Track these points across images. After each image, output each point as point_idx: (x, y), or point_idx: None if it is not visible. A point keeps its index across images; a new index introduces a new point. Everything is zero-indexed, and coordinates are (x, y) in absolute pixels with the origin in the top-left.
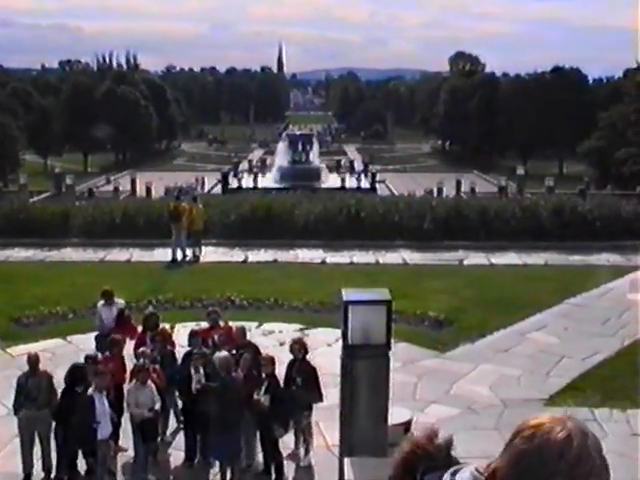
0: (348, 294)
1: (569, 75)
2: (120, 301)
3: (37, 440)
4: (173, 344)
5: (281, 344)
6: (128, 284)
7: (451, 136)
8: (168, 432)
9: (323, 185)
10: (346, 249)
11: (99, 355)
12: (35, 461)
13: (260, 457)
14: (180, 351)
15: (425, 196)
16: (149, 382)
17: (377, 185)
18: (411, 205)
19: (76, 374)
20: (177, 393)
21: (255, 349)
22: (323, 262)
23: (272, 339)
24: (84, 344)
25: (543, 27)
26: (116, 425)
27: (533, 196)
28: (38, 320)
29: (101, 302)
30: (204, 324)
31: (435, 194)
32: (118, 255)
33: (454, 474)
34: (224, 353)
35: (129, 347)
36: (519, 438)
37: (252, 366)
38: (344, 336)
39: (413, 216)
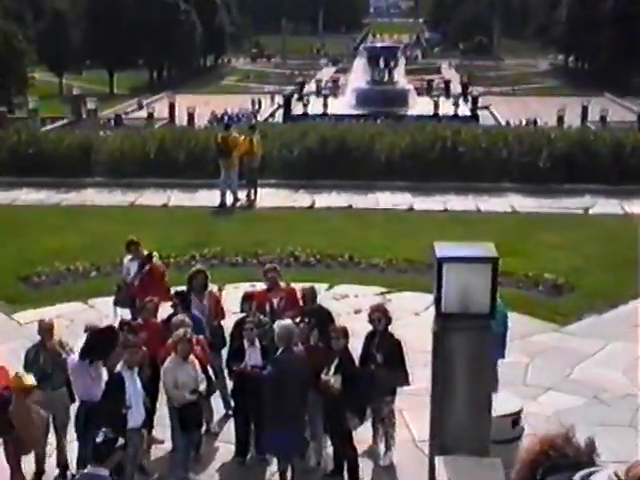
0: (442, 249)
1: None
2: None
3: (52, 428)
4: (222, 310)
5: (357, 312)
6: (164, 235)
7: (576, 49)
8: (214, 420)
9: (411, 112)
10: (439, 193)
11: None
12: (48, 455)
13: (329, 453)
14: (230, 320)
15: (540, 126)
16: (191, 357)
17: (479, 112)
18: (523, 138)
19: (95, 343)
20: (226, 371)
21: (327, 317)
22: (410, 209)
23: (345, 305)
24: (109, 309)
25: None
26: (150, 411)
27: None
28: (52, 279)
29: (128, 256)
30: (260, 285)
31: (553, 124)
32: (152, 198)
33: (587, 477)
34: (286, 322)
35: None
36: None
37: (321, 339)
38: (437, 302)
39: (525, 152)
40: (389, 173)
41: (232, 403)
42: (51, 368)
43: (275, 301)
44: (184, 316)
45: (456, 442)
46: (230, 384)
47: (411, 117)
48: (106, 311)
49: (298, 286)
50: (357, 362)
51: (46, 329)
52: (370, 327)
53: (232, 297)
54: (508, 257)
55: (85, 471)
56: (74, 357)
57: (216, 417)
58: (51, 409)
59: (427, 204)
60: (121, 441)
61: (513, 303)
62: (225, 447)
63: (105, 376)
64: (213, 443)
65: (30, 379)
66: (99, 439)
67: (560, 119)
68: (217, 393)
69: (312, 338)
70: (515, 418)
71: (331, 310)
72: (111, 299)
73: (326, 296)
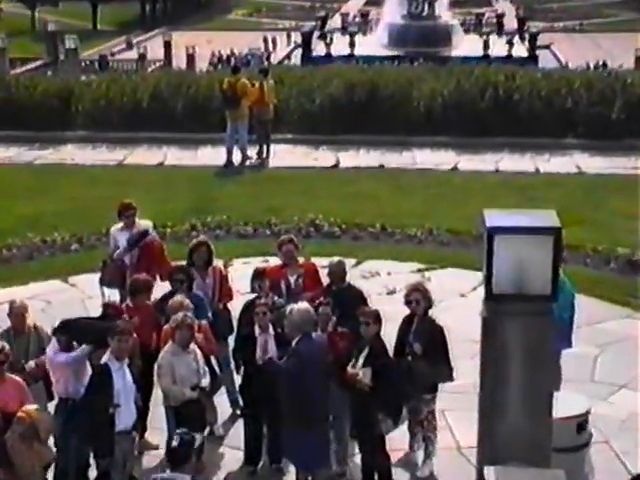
0: (493, 218)
1: None
2: (145, 222)
3: None
4: (229, 291)
5: (390, 292)
6: (159, 200)
7: None
8: (220, 421)
9: (455, 53)
10: (490, 150)
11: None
12: None
13: (357, 462)
14: (238, 302)
15: (613, 70)
16: (192, 346)
17: (538, 53)
18: (592, 84)
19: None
20: (233, 364)
21: (358, 299)
22: (454, 169)
23: (376, 285)
24: (93, 288)
25: None
26: (142, 410)
27: None
28: (25, 253)
29: (118, 225)
30: (275, 260)
31: (629, 66)
32: (145, 156)
33: None
34: (304, 304)
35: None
36: None
37: (348, 324)
38: (487, 282)
39: (595, 101)
40: (429, 126)
41: (240, 401)
42: (24, 358)
43: (292, 279)
44: (183, 297)
45: (509, 450)
46: (238, 378)
47: (456, 59)
48: (90, 291)
49: (319, 262)
50: (391, 352)
51: (18, 312)
52: (406, 311)
53: (241, 274)
54: (573, 227)
55: (164, 475)
56: (56, 345)
57: (221, 418)
58: None
59: (475, 164)
60: (199, 439)
61: (580, 283)
62: (232, 453)
63: (89, 368)
64: (218, 449)
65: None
66: (175, 442)
67: (638, 60)
68: (222, 389)
69: (331, 324)
70: (581, 421)
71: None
72: (96, 277)
73: (353, 274)
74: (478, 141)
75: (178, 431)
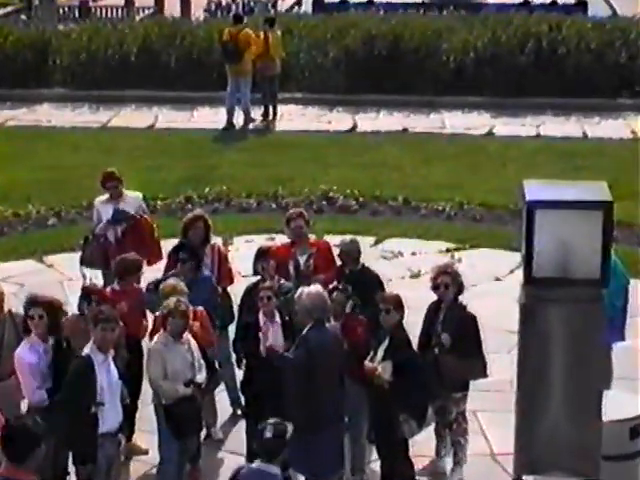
0: (534, 190)
1: None
2: (134, 194)
3: None
4: (229, 272)
5: (414, 275)
6: (150, 167)
7: None
8: (218, 423)
9: None
10: (529, 111)
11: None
12: None
13: (375, 469)
14: (239, 285)
15: None
16: (186, 336)
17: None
18: None
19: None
20: (234, 356)
21: (373, 283)
22: (489, 134)
23: (399, 267)
24: (72, 269)
25: None
26: (129, 410)
27: None
28: None
29: (102, 197)
30: (282, 238)
31: None
32: (133, 118)
33: None
34: (316, 288)
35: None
36: None
37: (365, 312)
38: (526, 263)
39: None
40: (459, 85)
41: (242, 399)
42: None
43: (301, 260)
44: (177, 279)
45: (552, 457)
46: (240, 373)
47: (491, 6)
48: (69, 272)
49: (333, 240)
50: (415, 344)
51: None
52: (433, 297)
53: (243, 254)
54: (626, 201)
55: (253, 466)
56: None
57: (220, 419)
58: None
59: (513, 127)
60: (290, 428)
61: (634, 266)
62: (232, 459)
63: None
64: (216, 454)
65: None
66: (269, 433)
67: None
68: (221, 386)
69: (348, 306)
70: (635, 425)
71: (379, 273)
72: (76, 256)
73: (372, 254)
74: (516, 101)
75: (270, 421)
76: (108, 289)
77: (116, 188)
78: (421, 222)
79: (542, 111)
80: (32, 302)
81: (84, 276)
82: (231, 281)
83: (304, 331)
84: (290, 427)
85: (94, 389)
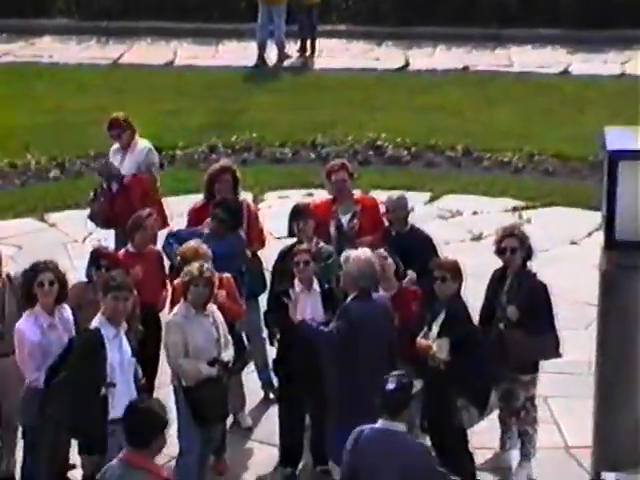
0: (617, 138)
1: None
2: (141, 145)
3: None
4: (260, 234)
5: (476, 238)
6: (168, 111)
7: None
8: (247, 408)
9: None
10: (613, 47)
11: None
12: None
13: None
14: (272, 248)
15: None
16: (211, 307)
17: None
18: None
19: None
20: (266, 331)
21: (426, 246)
22: (564, 72)
23: (458, 227)
24: (77, 228)
25: None
26: (145, 391)
27: None
28: None
29: (115, 145)
30: (321, 194)
31: None
32: (148, 53)
33: None
34: (365, 252)
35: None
36: None
37: (417, 280)
38: (608, 225)
39: None
40: (530, 15)
41: (275, 381)
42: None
43: (344, 219)
44: (199, 242)
45: (635, 451)
46: (272, 350)
47: None
48: (74, 232)
49: (381, 196)
50: (476, 318)
51: None
52: (498, 263)
53: (276, 212)
54: None
55: (377, 426)
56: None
57: (249, 403)
58: None
59: (592, 65)
60: (417, 386)
61: None
62: (263, 450)
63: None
64: (244, 444)
65: None
66: (392, 385)
67: None
68: (251, 365)
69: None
70: None
71: (434, 235)
72: (83, 214)
73: (427, 212)
74: (597, 34)
75: (394, 373)
76: (121, 252)
77: (119, 136)
78: (484, 176)
79: (628, 45)
80: (41, 266)
81: (93, 237)
82: (263, 244)
83: (347, 301)
84: (418, 383)
85: (104, 368)
